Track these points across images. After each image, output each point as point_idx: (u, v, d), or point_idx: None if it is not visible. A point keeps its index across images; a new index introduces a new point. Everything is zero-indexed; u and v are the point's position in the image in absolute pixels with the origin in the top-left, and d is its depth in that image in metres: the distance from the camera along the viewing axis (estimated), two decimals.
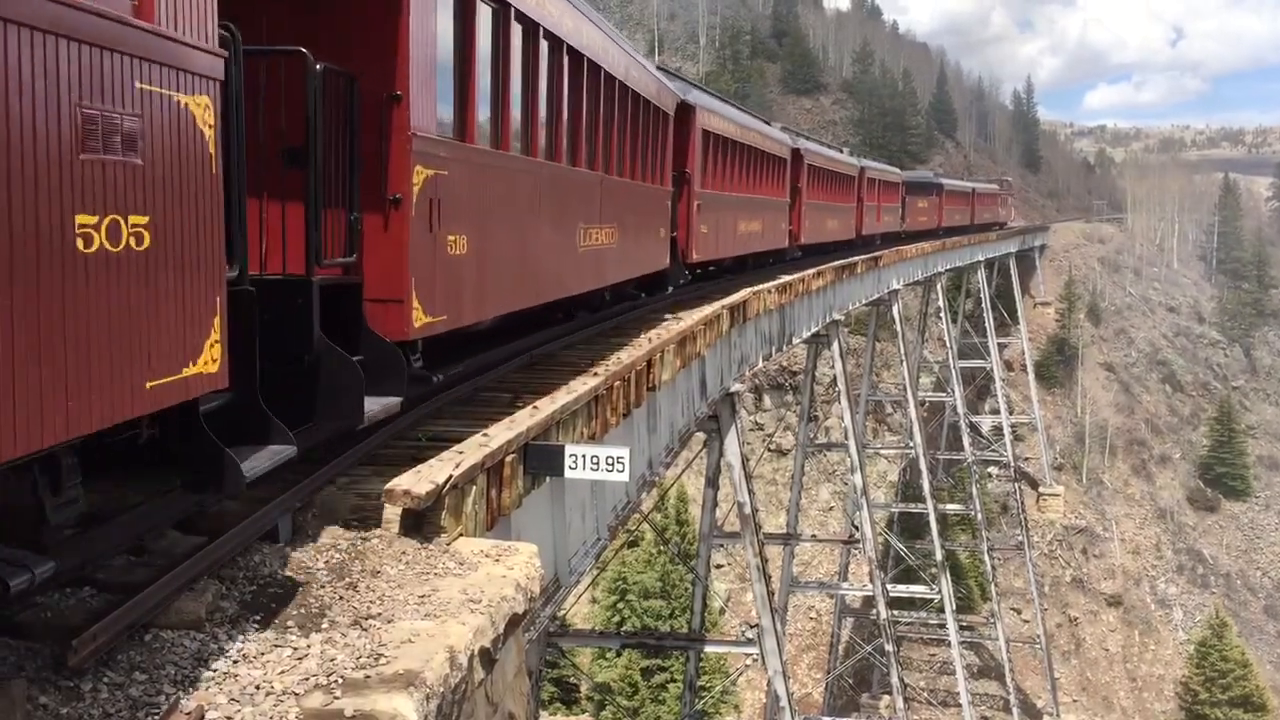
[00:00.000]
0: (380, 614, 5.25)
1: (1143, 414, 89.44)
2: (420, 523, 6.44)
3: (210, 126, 4.87)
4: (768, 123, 30.09)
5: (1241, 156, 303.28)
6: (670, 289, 18.84)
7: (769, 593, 21.96)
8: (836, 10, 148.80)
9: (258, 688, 4.38)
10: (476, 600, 5.54)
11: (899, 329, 44.22)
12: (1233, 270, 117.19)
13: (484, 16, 9.11)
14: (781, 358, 52.35)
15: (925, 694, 56.45)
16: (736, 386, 19.94)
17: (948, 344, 58.21)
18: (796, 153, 30.53)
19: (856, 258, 35.23)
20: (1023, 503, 70.06)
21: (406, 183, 7.27)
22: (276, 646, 4.80)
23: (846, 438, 34.95)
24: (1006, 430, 68.91)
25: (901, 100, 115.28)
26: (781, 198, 28.57)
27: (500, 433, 7.84)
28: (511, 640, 5.87)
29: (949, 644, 49.33)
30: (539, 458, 8.25)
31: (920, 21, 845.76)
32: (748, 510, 21.27)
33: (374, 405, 6.75)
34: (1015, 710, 58.24)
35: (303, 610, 5.22)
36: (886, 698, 53.82)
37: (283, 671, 4.55)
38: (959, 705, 50.47)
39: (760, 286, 21.81)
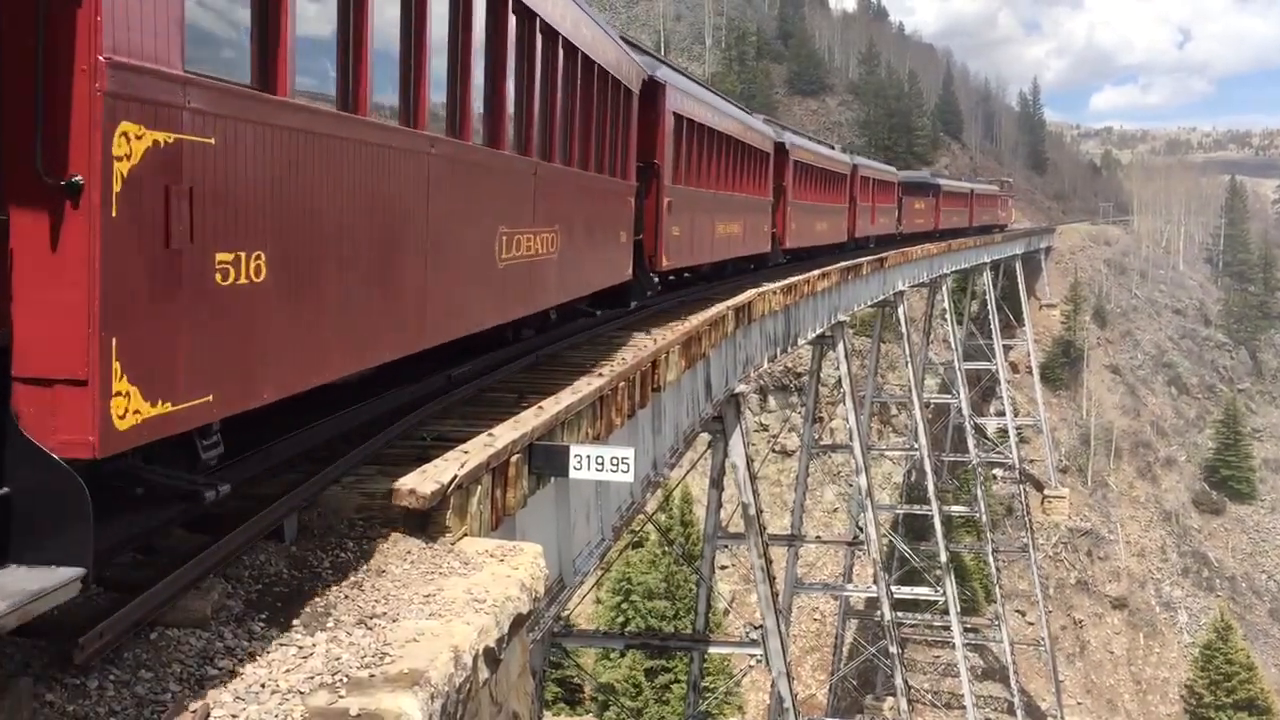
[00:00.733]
0: (385, 613, 5.26)
1: (1148, 416, 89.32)
2: (425, 522, 6.44)
3: None
4: (748, 112, 27.21)
5: (1248, 159, 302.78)
6: (634, 304, 15.91)
7: (773, 594, 21.95)
8: (843, 11, 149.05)
9: (263, 686, 4.39)
10: (481, 600, 5.55)
11: (904, 330, 44.21)
12: (1239, 273, 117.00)
13: None
14: (786, 359, 52.35)
15: (929, 696, 56.41)
16: (741, 387, 19.93)
17: (953, 345, 58.24)
18: (780, 147, 27.77)
19: (862, 259, 35.17)
20: (1027, 505, 70.03)
21: (95, 155, 3.92)
22: (282, 645, 4.81)
23: (851, 439, 34.94)
24: (1011, 432, 68.87)
25: (907, 102, 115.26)
26: (764, 196, 25.66)
27: (505, 433, 7.84)
28: (516, 640, 5.88)
29: (953, 646, 49.32)
30: (544, 458, 8.26)
31: (926, 23, 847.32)
32: (752, 511, 21.27)
33: (12, 590, 3.77)
34: (1019, 713, 58.18)
35: (308, 609, 5.23)
36: (890, 699, 53.77)
37: (288, 670, 4.56)
38: (963, 707, 50.44)
39: (766, 287, 21.81)
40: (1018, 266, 79.39)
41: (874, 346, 51.24)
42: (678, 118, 17.37)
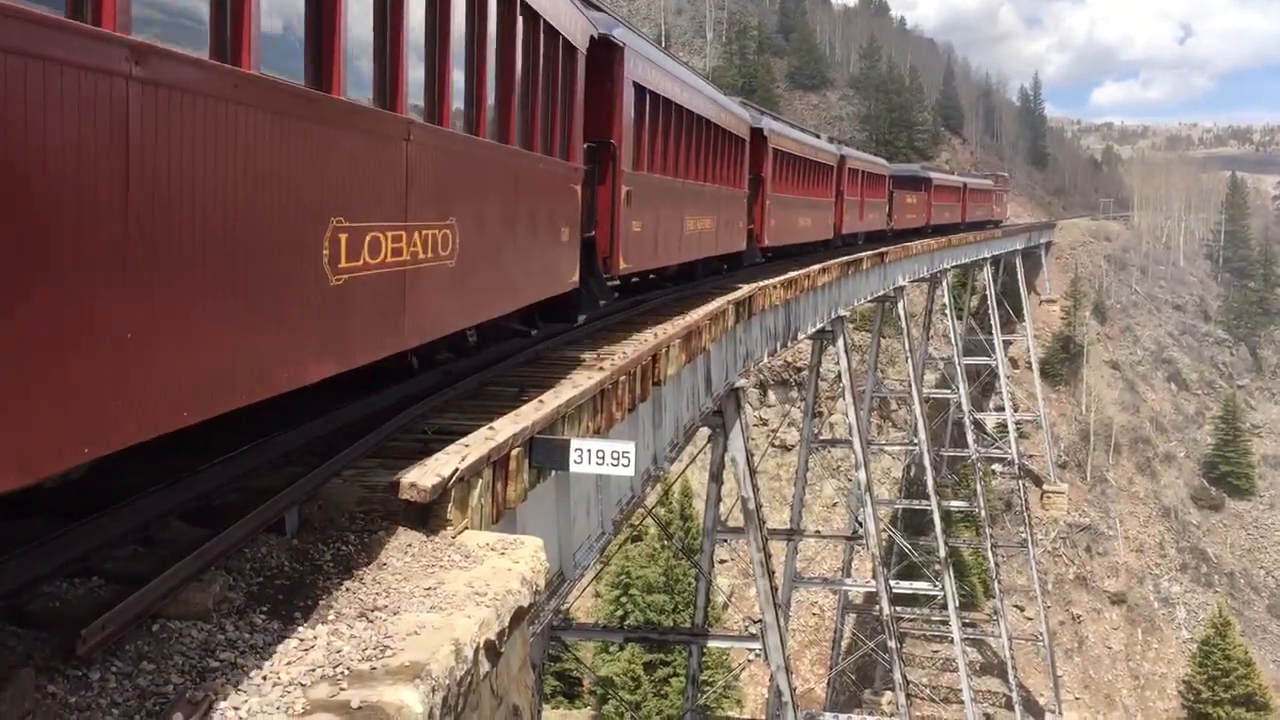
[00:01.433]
0: (386, 606, 5.27)
1: (1148, 412, 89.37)
2: (426, 516, 6.46)
3: None
4: (725, 93, 24.14)
5: (1249, 154, 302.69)
6: (583, 317, 12.76)
7: (772, 588, 21.98)
8: (844, 6, 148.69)
9: (265, 678, 4.41)
10: (482, 593, 5.56)
11: (904, 325, 44.22)
12: (1239, 269, 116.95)
13: None
14: (786, 353, 52.37)
15: (927, 690, 56.50)
16: (741, 382, 19.95)
17: (953, 341, 58.26)
18: (759, 133, 25.08)
19: (862, 254, 35.10)
20: (1026, 500, 70.11)
21: None
22: (283, 638, 4.82)
23: (851, 434, 34.97)
24: (1011, 427, 68.93)
25: (908, 96, 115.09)
26: (739, 189, 22.91)
27: (506, 426, 7.85)
28: (516, 633, 5.89)
29: (952, 641, 49.42)
30: (544, 452, 8.27)
31: (928, 17, 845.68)
32: (751, 506, 21.30)
33: None
34: (1017, 707, 58.29)
35: (309, 602, 5.24)
36: (889, 694, 53.88)
37: (289, 662, 4.57)
38: (961, 702, 50.53)
39: (765, 281, 21.81)
40: (1018, 262, 79.39)
41: (874, 341, 51.22)
42: (639, 89, 14.57)
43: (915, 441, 48.28)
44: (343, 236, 5.89)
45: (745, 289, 19.92)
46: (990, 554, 59.04)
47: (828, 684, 56.71)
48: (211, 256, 4.60)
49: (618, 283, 14.55)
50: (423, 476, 6.40)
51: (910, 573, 53.08)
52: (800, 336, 27.64)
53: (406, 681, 4.40)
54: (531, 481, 8.26)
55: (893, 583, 44.22)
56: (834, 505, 67.10)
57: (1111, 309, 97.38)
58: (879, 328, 50.31)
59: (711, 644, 27.33)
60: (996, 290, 71.89)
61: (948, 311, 59.98)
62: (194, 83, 4.41)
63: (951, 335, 59.22)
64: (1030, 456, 76.22)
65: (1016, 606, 67.35)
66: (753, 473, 21.31)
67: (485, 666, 5.23)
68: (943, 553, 47.28)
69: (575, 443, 8.37)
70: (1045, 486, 76.52)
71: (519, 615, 5.81)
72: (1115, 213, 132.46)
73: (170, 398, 4.33)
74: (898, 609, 45.58)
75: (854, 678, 60.61)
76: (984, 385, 72.94)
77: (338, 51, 5.93)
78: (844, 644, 55.75)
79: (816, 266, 27.32)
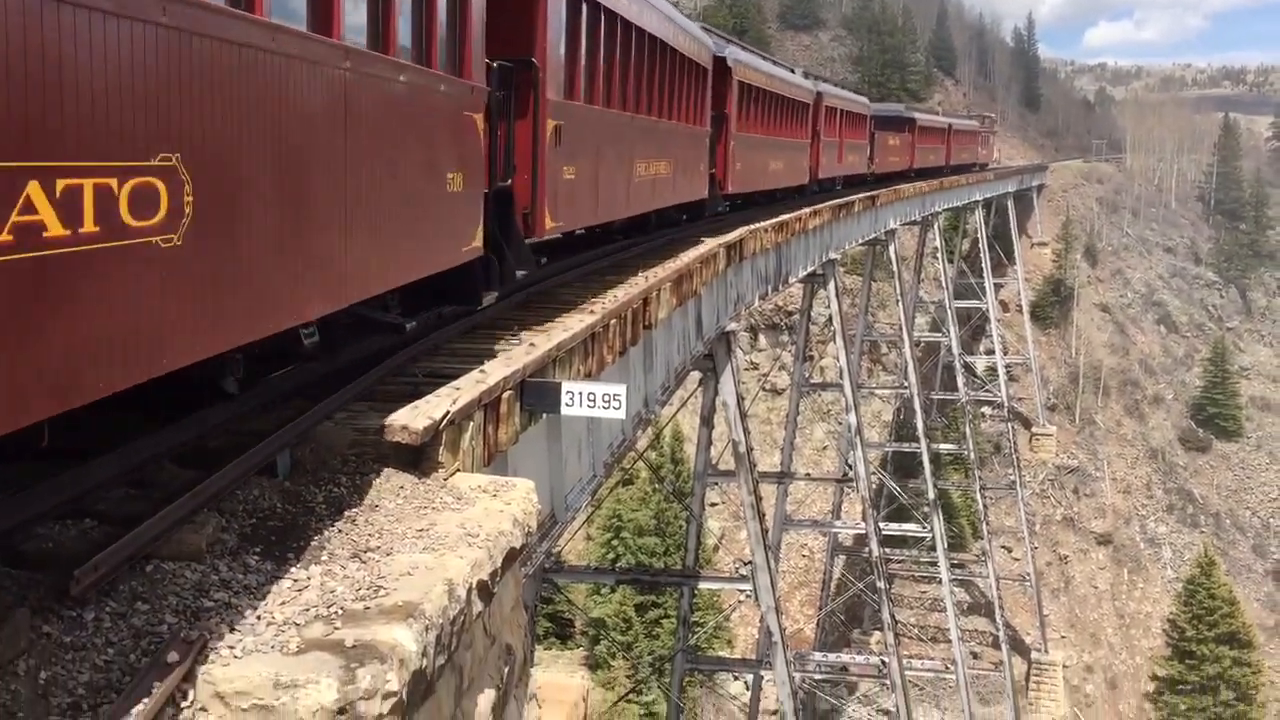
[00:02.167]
0: (379, 547, 5.30)
1: (1137, 355, 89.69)
2: (418, 458, 6.48)
3: None
4: (687, 16, 20.55)
5: (1243, 95, 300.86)
6: (493, 295, 9.63)
7: (762, 530, 22.16)
8: None
9: (259, 618, 4.44)
10: (474, 534, 5.59)
11: (895, 269, 44.16)
12: (1230, 211, 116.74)
13: None
14: (777, 297, 52.32)
15: (916, 630, 57.17)
16: (732, 326, 19.95)
17: (944, 284, 58.19)
18: (721, 63, 21.24)
19: (854, 196, 34.90)
20: (1015, 442, 70.50)
21: None
22: (277, 578, 4.85)
23: (841, 377, 35.07)
24: (1001, 370, 69.12)
25: (901, 37, 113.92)
26: (700, 127, 19.39)
27: (497, 369, 7.85)
28: (509, 574, 5.93)
29: (940, 581, 49.92)
30: (536, 394, 8.28)
31: None
32: (742, 449, 21.40)
33: None
34: (1004, 646, 59.09)
35: (302, 543, 5.27)
36: (877, 634, 54.52)
37: (283, 603, 4.61)
38: (949, 641, 51.17)
39: (757, 225, 21.72)
40: (1010, 204, 79.12)
41: (865, 284, 51.12)
42: None
43: (905, 385, 48.37)
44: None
45: (737, 232, 19.84)
46: (979, 496, 59.48)
47: (817, 624, 57.42)
48: None
49: (540, 247, 11.55)
50: (414, 419, 6.41)
51: (899, 515, 53.47)
52: (791, 280, 27.60)
53: (400, 620, 4.44)
54: (523, 424, 8.28)
55: (882, 525, 44.60)
56: (824, 448, 67.40)
57: (1103, 252, 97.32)
58: (870, 271, 50.19)
59: (702, 585, 27.61)
60: (988, 233, 71.70)
61: (939, 255, 59.76)
62: None
63: (942, 278, 59.08)
64: (1019, 399, 76.54)
65: (1004, 547, 68.02)
66: (743, 416, 21.38)
67: (478, 606, 5.27)
68: (932, 495, 47.59)
69: (566, 385, 8.38)
70: (1034, 429, 76.93)
71: (511, 556, 5.85)
72: (1108, 155, 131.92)
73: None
74: (887, 550, 45.97)
75: (843, 618, 61.32)
76: (974, 329, 73.03)
77: None
78: (833, 585, 56.35)
79: (808, 209, 27.19)
